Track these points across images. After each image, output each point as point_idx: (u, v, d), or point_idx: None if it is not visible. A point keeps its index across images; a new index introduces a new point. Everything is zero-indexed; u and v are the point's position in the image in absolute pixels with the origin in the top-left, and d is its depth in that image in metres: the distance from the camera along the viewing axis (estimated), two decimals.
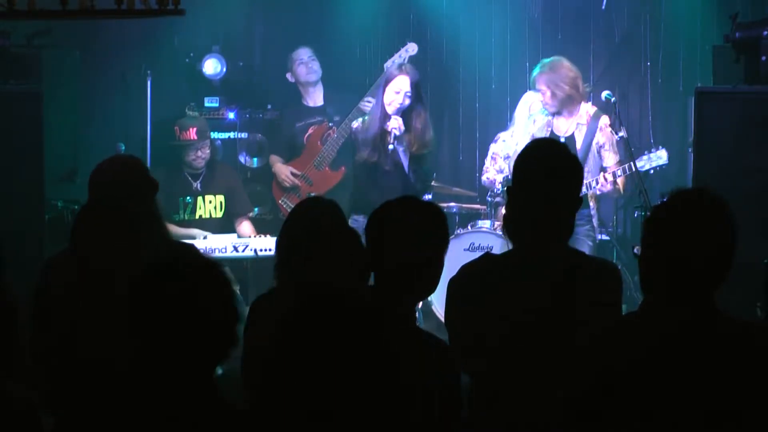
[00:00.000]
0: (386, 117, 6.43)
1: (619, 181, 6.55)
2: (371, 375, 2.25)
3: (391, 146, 6.39)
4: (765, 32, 5.58)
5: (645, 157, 6.62)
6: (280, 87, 8.09)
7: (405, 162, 6.47)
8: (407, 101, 6.42)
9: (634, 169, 6.39)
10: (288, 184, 7.41)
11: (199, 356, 2.26)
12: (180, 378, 2.25)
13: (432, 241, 2.88)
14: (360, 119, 6.67)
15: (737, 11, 5.87)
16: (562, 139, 6.58)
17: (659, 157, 6.61)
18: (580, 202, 3.39)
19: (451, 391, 2.77)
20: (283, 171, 7.45)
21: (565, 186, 3.32)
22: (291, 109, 7.73)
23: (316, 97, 7.74)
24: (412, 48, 7.28)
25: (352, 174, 6.82)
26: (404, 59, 7.21)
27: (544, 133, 6.62)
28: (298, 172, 7.41)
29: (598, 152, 6.63)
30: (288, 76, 7.76)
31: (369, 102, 7.05)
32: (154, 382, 2.25)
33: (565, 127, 6.68)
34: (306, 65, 7.67)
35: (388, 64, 7.22)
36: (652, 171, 6.72)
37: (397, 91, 6.43)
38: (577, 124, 6.65)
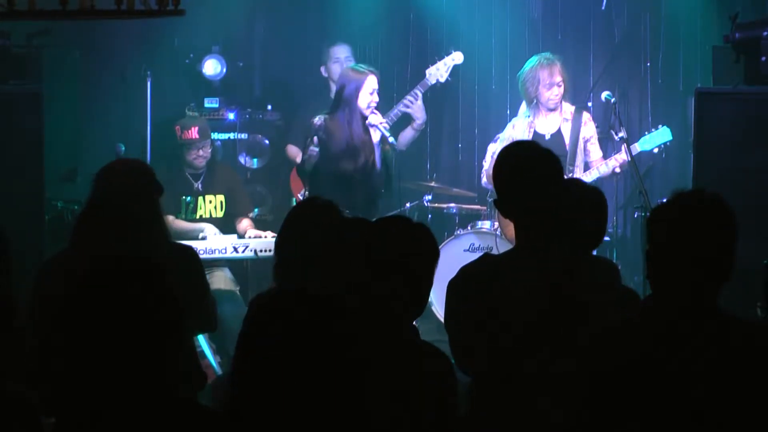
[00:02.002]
0: (364, 122, 6.39)
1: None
2: (323, 371, 2.25)
3: (391, 139, 6.29)
4: (765, 32, 5.58)
5: (647, 137, 6.66)
6: (292, 83, 8.05)
7: (378, 161, 6.42)
8: (377, 98, 6.40)
9: (635, 152, 6.48)
10: None
11: (141, 348, 2.26)
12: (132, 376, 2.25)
13: (426, 254, 2.89)
14: (320, 117, 6.48)
15: (737, 12, 5.87)
16: (547, 137, 6.63)
17: (662, 134, 6.64)
18: (567, 192, 3.41)
19: (447, 397, 2.76)
20: None
21: (544, 183, 3.32)
22: (316, 101, 7.49)
23: None
24: (458, 57, 7.05)
25: (309, 178, 6.60)
26: (449, 68, 7.08)
27: (527, 136, 6.65)
28: None
29: (584, 146, 6.68)
30: (322, 69, 7.67)
31: (410, 102, 6.90)
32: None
33: (547, 125, 6.72)
34: (341, 64, 7.53)
35: (431, 71, 7.06)
36: (656, 150, 6.75)
37: (371, 92, 6.39)
38: (563, 119, 6.70)
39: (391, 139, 6.33)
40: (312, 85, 7.95)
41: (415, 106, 6.88)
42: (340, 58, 7.58)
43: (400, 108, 6.86)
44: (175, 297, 2.30)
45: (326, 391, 2.25)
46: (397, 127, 6.87)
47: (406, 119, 6.93)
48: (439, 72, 7.05)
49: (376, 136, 6.41)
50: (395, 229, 2.92)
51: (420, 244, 2.90)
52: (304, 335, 2.26)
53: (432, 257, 2.96)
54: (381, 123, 6.35)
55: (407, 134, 6.98)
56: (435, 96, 8.59)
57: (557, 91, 6.66)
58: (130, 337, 2.23)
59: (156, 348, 2.26)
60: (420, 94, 6.92)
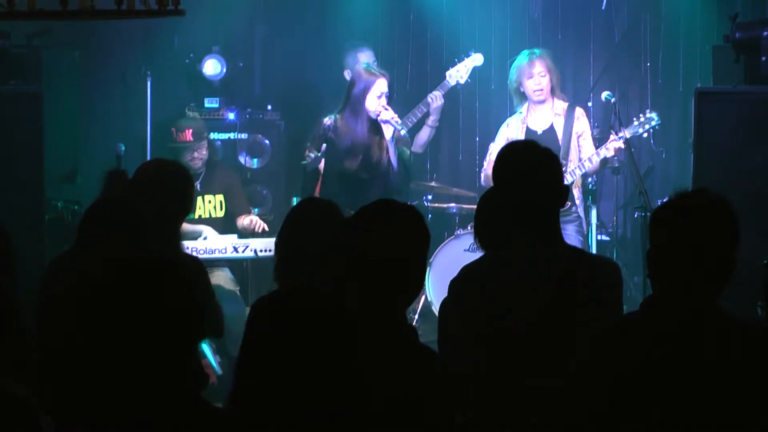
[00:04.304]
0: (371, 121, 6.39)
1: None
2: (327, 373, 2.24)
3: (403, 131, 6.31)
4: (765, 32, 5.58)
5: (635, 123, 6.64)
6: (293, 83, 8.05)
7: (394, 159, 6.40)
8: (386, 101, 6.40)
9: (627, 136, 6.45)
10: None
11: (163, 348, 2.27)
12: (151, 370, 2.26)
13: (409, 242, 2.83)
14: (330, 116, 6.51)
15: (737, 12, 5.88)
16: (539, 133, 6.63)
17: (650, 118, 6.62)
18: (565, 192, 3.41)
19: (440, 397, 2.75)
20: None
21: (547, 181, 3.33)
22: (336, 104, 7.56)
23: None
24: (478, 59, 7.10)
25: (313, 178, 6.58)
26: (469, 69, 7.09)
27: (520, 133, 6.65)
28: None
29: (577, 141, 6.66)
30: (345, 73, 7.64)
31: (431, 100, 6.94)
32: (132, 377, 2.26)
33: (540, 121, 6.72)
34: None
35: (451, 72, 7.07)
36: (645, 134, 6.72)
37: (379, 95, 6.38)
38: (555, 114, 6.69)
39: (403, 132, 6.33)
40: (331, 87, 7.93)
41: (434, 105, 6.92)
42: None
43: (421, 107, 6.88)
44: (194, 297, 2.31)
45: (326, 389, 2.25)
46: (413, 129, 6.91)
47: (419, 121, 6.97)
48: (459, 73, 7.08)
49: (389, 133, 6.38)
50: (364, 223, 2.83)
51: (393, 232, 2.77)
52: (303, 334, 2.25)
53: (410, 243, 2.79)
54: (392, 117, 6.33)
55: (424, 133, 7.03)
56: None
57: (538, 80, 6.65)
58: (150, 336, 2.24)
59: (175, 347, 2.27)
60: (441, 95, 6.94)
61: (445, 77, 7.07)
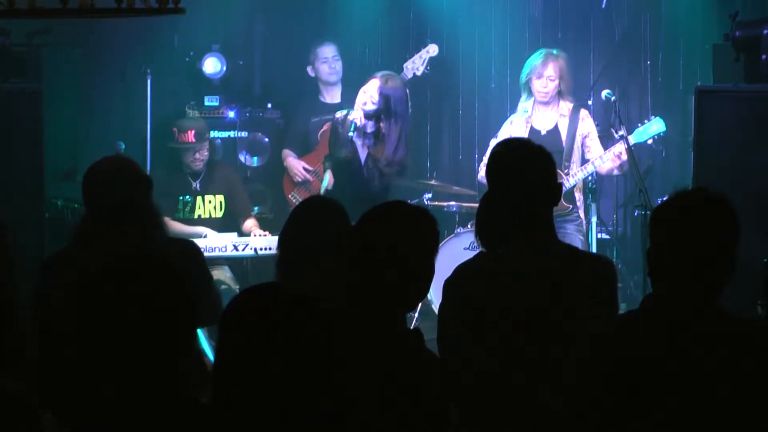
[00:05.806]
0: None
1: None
2: (296, 366, 2.23)
3: (351, 133, 6.37)
4: (765, 31, 5.58)
5: (640, 129, 6.63)
6: (292, 82, 8.10)
7: (362, 156, 6.43)
8: (371, 105, 6.39)
9: (630, 144, 6.42)
10: (300, 179, 7.37)
11: (160, 345, 2.27)
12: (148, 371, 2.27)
13: (418, 243, 2.81)
14: (343, 111, 6.60)
15: (737, 10, 5.87)
16: (543, 133, 6.62)
17: (655, 125, 6.61)
18: (559, 190, 3.40)
19: (438, 397, 2.75)
20: (296, 166, 7.41)
21: (539, 179, 3.33)
22: (307, 103, 7.65)
23: (334, 94, 7.70)
24: (433, 49, 7.23)
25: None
26: (424, 60, 7.19)
27: (524, 132, 6.64)
28: (311, 168, 7.35)
29: (583, 142, 6.66)
30: (309, 69, 7.72)
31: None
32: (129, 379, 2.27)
33: (544, 121, 6.71)
34: (329, 64, 7.63)
35: (408, 65, 7.20)
36: (650, 141, 6.72)
37: (365, 91, 6.42)
38: (560, 115, 6.68)
39: (350, 134, 6.36)
40: (302, 87, 7.96)
41: None
42: (328, 58, 7.62)
43: None
44: (189, 296, 2.31)
45: (300, 385, 2.23)
46: None
47: None
48: (415, 65, 7.20)
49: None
50: (378, 221, 2.84)
51: (406, 234, 2.80)
52: (276, 330, 2.24)
53: (421, 245, 2.84)
54: (354, 119, 6.37)
55: None
56: (435, 94, 8.60)
57: (545, 83, 6.63)
58: (144, 336, 2.24)
59: (169, 346, 2.27)
60: None
61: (402, 69, 7.15)
